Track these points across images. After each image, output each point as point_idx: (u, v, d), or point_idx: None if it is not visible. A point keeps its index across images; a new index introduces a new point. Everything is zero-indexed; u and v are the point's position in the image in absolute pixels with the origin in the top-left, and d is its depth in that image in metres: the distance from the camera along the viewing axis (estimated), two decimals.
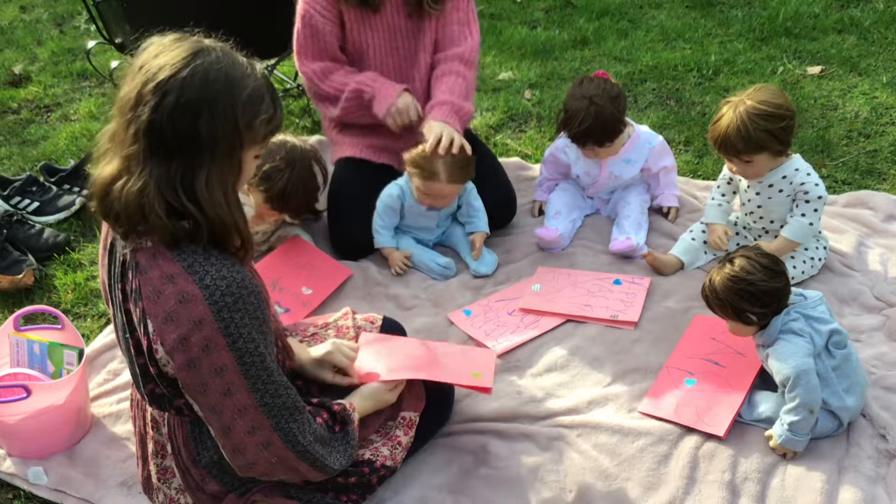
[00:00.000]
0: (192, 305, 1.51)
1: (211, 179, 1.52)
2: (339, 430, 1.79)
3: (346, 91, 2.78)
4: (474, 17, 2.89)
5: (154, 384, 1.69)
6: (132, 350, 1.66)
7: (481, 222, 2.78)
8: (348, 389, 1.96)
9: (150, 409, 1.80)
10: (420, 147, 2.60)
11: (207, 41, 1.55)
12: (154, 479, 1.85)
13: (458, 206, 2.81)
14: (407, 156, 2.64)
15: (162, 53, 1.50)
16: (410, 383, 2.05)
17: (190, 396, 1.62)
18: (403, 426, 1.99)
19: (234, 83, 1.50)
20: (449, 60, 2.85)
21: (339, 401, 1.85)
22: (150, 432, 1.82)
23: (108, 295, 1.71)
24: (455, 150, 2.57)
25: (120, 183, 1.52)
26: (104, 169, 1.56)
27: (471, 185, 2.77)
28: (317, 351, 2.00)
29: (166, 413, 1.77)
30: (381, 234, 2.78)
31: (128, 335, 1.65)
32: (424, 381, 2.05)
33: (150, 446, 1.83)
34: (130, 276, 1.58)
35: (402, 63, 2.86)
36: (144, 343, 1.60)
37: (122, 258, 1.61)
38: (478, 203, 2.79)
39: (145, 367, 1.66)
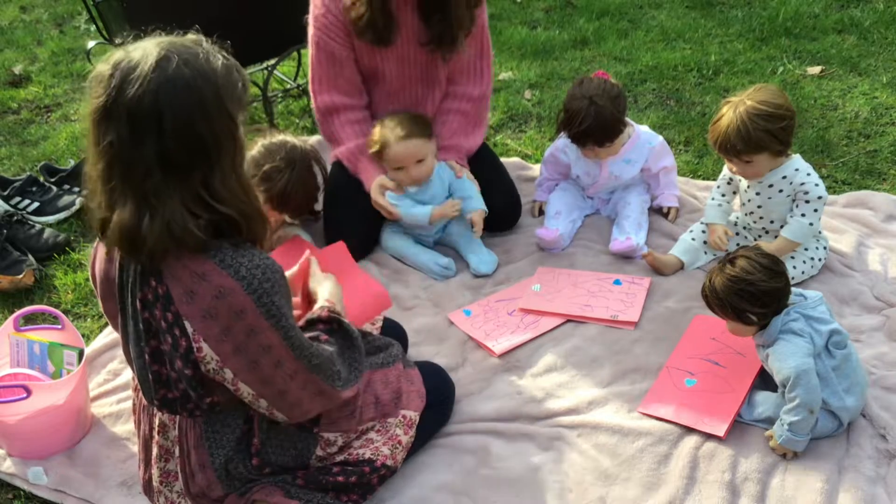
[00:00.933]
0: (231, 298, 1.55)
1: (226, 174, 1.54)
2: (338, 328, 1.84)
3: (336, 150, 2.86)
4: (488, 45, 2.88)
5: (167, 389, 1.69)
6: (146, 357, 1.66)
7: (476, 201, 2.76)
8: None
9: (158, 414, 1.79)
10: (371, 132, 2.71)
11: (150, 45, 1.49)
12: (156, 483, 1.85)
13: (450, 195, 2.80)
14: (369, 148, 2.73)
15: (127, 83, 1.44)
16: (411, 383, 2.05)
17: (241, 379, 1.64)
18: (404, 425, 1.99)
19: (206, 74, 1.49)
20: (458, 98, 2.88)
21: (319, 307, 1.87)
22: (157, 437, 1.82)
23: (118, 307, 1.69)
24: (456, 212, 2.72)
25: (147, 221, 1.49)
26: (121, 215, 1.50)
27: (469, 185, 2.76)
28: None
29: (177, 417, 1.77)
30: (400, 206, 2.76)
31: (143, 344, 1.65)
32: (424, 381, 2.06)
33: (155, 450, 1.83)
34: (153, 283, 1.58)
35: (413, 89, 2.86)
36: (182, 345, 1.60)
37: (137, 268, 1.60)
38: (469, 184, 2.78)
39: (158, 373, 1.67)
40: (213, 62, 1.50)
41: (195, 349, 1.60)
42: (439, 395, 2.13)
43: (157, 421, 1.80)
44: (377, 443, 1.95)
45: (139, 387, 1.78)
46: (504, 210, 2.89)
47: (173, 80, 1.45)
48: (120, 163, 1.49)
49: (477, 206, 2.76)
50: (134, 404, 1.92)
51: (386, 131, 2.67)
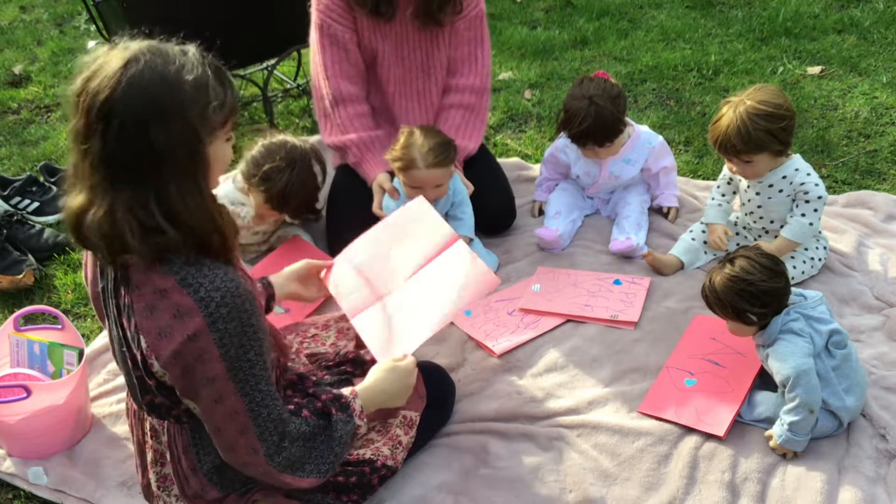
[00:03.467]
0: (187, 319, 1.50)
1: (182, 188, 1.48)
2: (335, 414, 1.74)
3: (340, 139, 2.81)
4: (486, 35, 2.89)
5: (152, 395, 1.69)
6: (129, 363, 1.65)
7: (465, 227, 2.72)
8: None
9: (148, 419, 1.79)
10: (397, 142, 2.61)
11: (133, 45, 1.49)
12: (154, 487, 1.85)
13: (451, 204, 2.80)
14: (387, 155, 2.65)
15: (94, 76, 1.45)
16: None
17: (187, 400, 1.63)
18: (404, 425, 1.99)
19: (171, 83, 1.44)
20: (460, 91, 2.87)
21: (340, 391, 1.81)
22: (150, 441, 1.81)
23: (104, 310, 1.70)
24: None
25: (91, 213, 1.49)
26: (73, 200, 1.53)
27: (461, 187, 2.74)
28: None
29: (165, 422, 1.76)
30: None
31: (124, 349, 1.64)
32: (424, 380, 2.05)
33: (150, 455, 1.83)
34: (123, 291, 1.57)
35: (411, 74, 2.85)
36: (139, 356, 1.60)
37: (113, 274, 1.60)
38: (466, 206, 2.75)
39: (142, 378, 1.66)
40: (184, 74, 1.46)
41: (149, 363, 1.58)
42: (439, 395, 2.13)
43: (148, 425, 1.80)
44: (377, 443, 1.95)
45: (129, 391, 1.79)
46: (499, 214, 2.89)
47: (132, 82, 1.43)
48: (76, 151, 1.51)
49: (464, 233, 2.70)
50: (127, 408, 1.91)
51: (415, 152, 2.55)
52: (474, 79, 2.87)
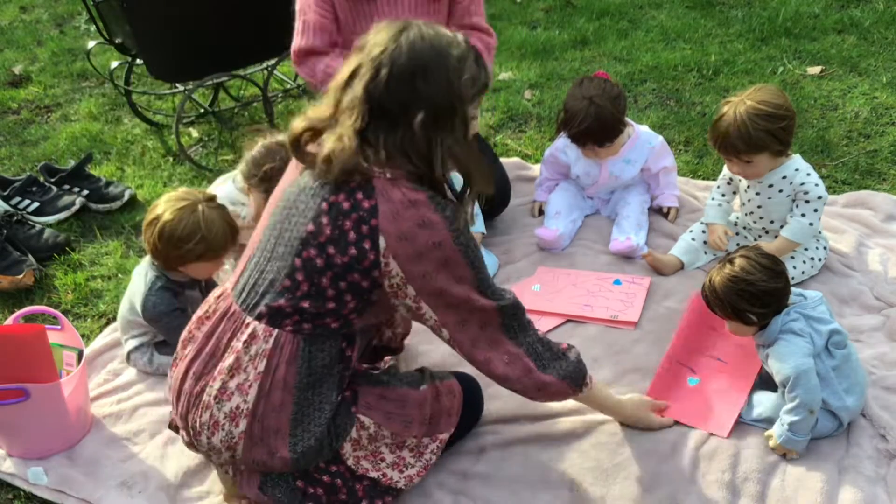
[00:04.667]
0: (432, 230, 1.68)
1: (454, 140, 1.71)
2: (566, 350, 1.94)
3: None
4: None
5: (297, 299, 1.74)
6: (292, 263, 1.73)
7: (476, 223, 2.75)
8: None
9: (251, 325, 1.77)
10: None
11: (413, 21, 1.72)
12: (210, 396, 1.79)
13: None
14: None
15: (374, 36, 1.70)
16: (452, 396, 2.02)
17: (424, 300, 1.74)
18: (438, 449, 1.98)
19: (440, 50, 1.67)
20: (465, 29, 2.81)
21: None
22: (238, 346, 1.77)
23: (284, 207, 1.80)
24: None
25: (331, 140, 1.69)
26: (336, 142, 1.69)
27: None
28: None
29: (276, 330, 1.75)
30: None
31: (299, 248, 1.73)
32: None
33: (230, 360, 1.78)
34: (360, 196, 1.69)
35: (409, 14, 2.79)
36: (370, 258, 1.69)
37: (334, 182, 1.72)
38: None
39: (298, 281, 1.73)
40: (451, 48, 1.69)
41: (382, 264, 1.70)
42: (470, 415, 2.11)
43: (248, 330, 1.77)
44: (415, 467, 1.95)
45: (244, 290, 1.81)
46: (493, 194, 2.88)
47: (411, 40, 1.66)
48: (338, 90, 1.72)
49: (476, 230, 2.73)
50: (205, 314, 1.89)
51: None
52: (480, 20, 2.87)
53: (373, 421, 1.87)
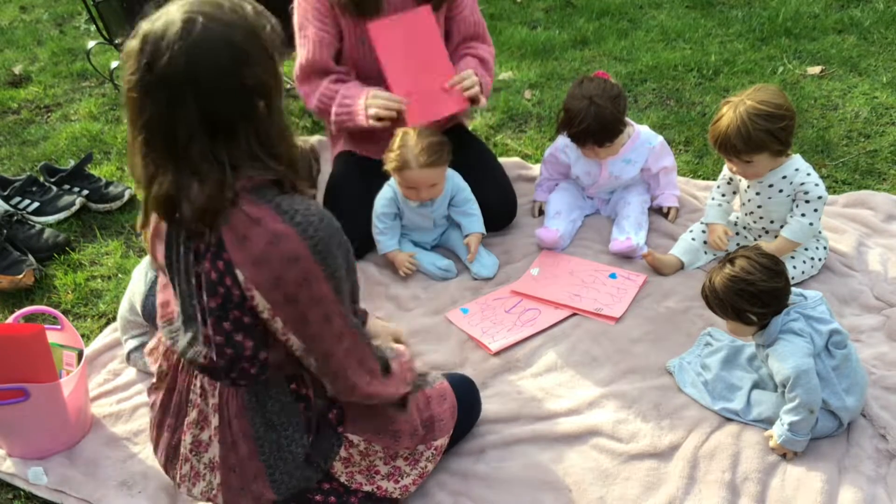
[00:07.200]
0: (285, 244, 1.50)
1: (274, 118, 1.51)
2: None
3: (329, 101, 2.77)
4: (483, 22, 2.91)
5: (226, 347, 1.64)
6: (199, 318, 1.63)
7: (476, 223, 2.76)
8: None
9: (199, 378, 1.73)
10: (392, 141, 2.60)
11: (172, 10, 1.46)
12: (185, 449, 1.78)
13: (451, 205, 2.79)
14: (384, 156, 2.63)
15: (159, 51, 1.42)
16: (444, 400, 2.01)
17: (291, 332, 1.59)
18: (435, 456, 1.97)
19: (235, 23, 1.45)
20: (468, 47, 2.86)
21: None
22: (198, 400, 1.75)
23: (169, 266, 1.66)
24: (467, 94, 2.68)
25: (195, 188, 1.47)
26: (161, 186, 1.50)
27: (464, 184, 2.75)
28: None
29: (218, 383, 1.71)
30: (382, 240, 2.76)
31: (195, 301, 1.62)
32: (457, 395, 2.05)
33: (194, 414, 1.75)
34: (206, 233, 1.53)
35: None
36: (236, 294, 1.55)
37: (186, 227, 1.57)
38: (472, 203, 2.77)
39: (207, 335, 1.63)
40: (241, 10, 1.47)
41: (248, 297, 1.55)
42: (468, 416, 2.09)
43: (198, 384, 1.74)
44: (410, 476, 1.92)
45: (180, 349, 1.73)
46: (498, 208, 2.88)
47: (202, 41, 1.42)
48: (160, 134, 1.47)
49: (476, 229, 2.74)
50: (168, 367, 1.82)
51: (408, 153, 2.55)
52: (478, 31, 2.89)
53: (362, 438, 1.82)
